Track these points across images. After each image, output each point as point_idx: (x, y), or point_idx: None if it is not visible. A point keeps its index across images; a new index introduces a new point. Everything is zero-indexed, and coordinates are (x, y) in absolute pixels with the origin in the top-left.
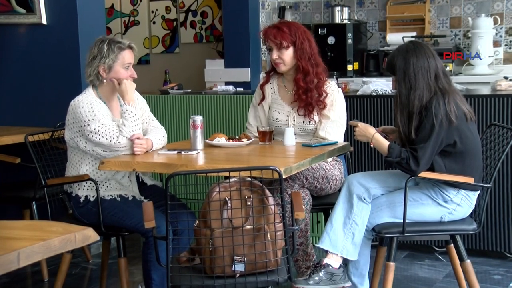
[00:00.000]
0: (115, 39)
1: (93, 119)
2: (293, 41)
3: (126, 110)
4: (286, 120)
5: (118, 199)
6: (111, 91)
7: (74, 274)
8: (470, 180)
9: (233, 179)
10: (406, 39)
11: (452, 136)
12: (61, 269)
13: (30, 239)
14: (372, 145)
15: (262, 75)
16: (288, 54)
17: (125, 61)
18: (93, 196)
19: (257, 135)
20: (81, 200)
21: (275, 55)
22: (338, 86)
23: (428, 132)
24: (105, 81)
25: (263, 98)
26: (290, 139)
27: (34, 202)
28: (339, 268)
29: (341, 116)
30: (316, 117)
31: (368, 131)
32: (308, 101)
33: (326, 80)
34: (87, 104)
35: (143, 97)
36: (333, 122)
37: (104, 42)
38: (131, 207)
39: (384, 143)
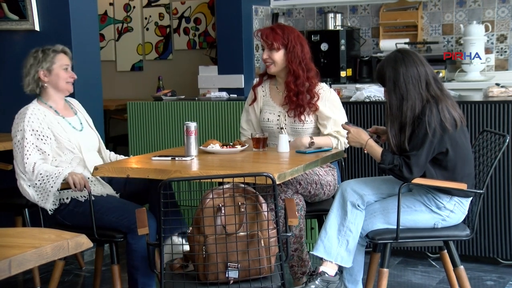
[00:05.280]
0: (47, 46)
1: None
2: (285, 44)
3: (59, 173)
4: (278, 120)
5: (93, 198)
6: (55, 92)
7: (67, 281)
8: (463, 186)
9: (227, 186)
10: (399, 45)
11: (445, 145)
12: (54, 277)
13: (22, 247)
14: (365, 151)
15: (256, 80)
16: (278, 56)
17: (63, 62)
18: (67, 198)
19: (250, 137)
20: (57, 203)
21: (265, 55)
22: None
23: (421, 140)
24: (46, 85)
25: (254, 99)
26: (284, 145)
27: (26, 209)
28: (335, 275)
29: (342, 113)
30: (307, 119)
31: (361, 137)
32: (298, 103)
33: (318, 83)
34: (33, 115)
35: (137, 104)
36: (336, 120)
37: (37, 51)
38: (109, 203)
39: (378, 149)
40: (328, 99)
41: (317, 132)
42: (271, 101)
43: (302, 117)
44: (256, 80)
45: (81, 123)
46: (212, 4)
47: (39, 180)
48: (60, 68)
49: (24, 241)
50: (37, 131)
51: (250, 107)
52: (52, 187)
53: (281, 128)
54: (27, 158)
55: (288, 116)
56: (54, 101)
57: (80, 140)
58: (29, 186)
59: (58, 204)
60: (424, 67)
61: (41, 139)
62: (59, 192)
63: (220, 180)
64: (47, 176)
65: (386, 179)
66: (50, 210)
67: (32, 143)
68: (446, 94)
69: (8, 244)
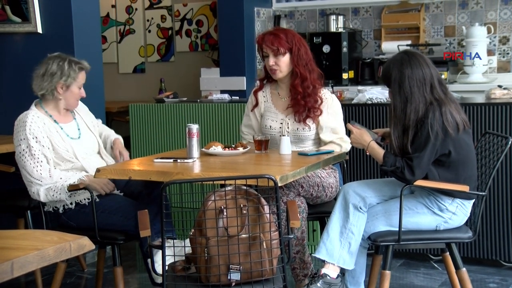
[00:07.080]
0: (74, 59)
1: (27, 138)
2: (290, 48)
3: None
4: (280, 127)
5: (97, 199)
6: (56, 105)
7: (69, 283)
8: (465, 188)
9: (229, 188)
10: (401, 48)
11: (447, 146)
12: (56, 279)
13: (24, 249)
14: (367, 153)
15: (257, 83)
16: (284, 61)
17: (80, 81)
18: (71, 204)
19: (251, 140)
20: (60, 210)
21: (271, 61)
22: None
23: (423, 142)
24: (60, 97)
25: (256, 105)
26: (286, 147)
27: (28, 211)
28: (337, 277)
29: (342, 120)
30: (310, 124)
31: (363, 139)
32: (307, 106)
33: (321, 86)
34: (33, 122)
35: (139, 106)
36: (336, 128)
37: (64, 61)
38: (117, 202)
39: (380, 151)
40: (331, 106)
41: (318, 139)
42: (272, 108)
43: (308, 121)
44: (257, 84)
45: (78, 129)
46: (214, 6)
47: (57, 182)
48: (77, 86)
49: (26, 243)
50: (38, 138)
51: (251, 112)
52: (66, 181)
53: (282, 136)
54: (41, 166)
55: (293, 122)
56: (54, 109)
57: (76, 149)
58: (46, 189)
59: (62, 210)
60: (429, 69)
61: (43, 145)
62: (69, 195)
63: (222, 182)
64: (66, 179)
65: (388, 181)
66: (66, 199)
67: (39, 150)
68: (450, 98)
69: (10, 246)
